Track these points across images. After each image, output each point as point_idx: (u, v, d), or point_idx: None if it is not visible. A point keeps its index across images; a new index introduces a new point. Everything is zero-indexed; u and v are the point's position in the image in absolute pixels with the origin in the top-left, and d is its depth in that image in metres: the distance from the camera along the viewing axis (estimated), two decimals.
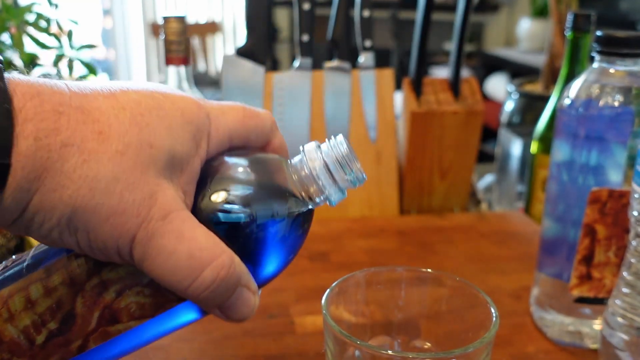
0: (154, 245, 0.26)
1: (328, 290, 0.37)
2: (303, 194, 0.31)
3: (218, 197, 0.29)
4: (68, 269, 0.29)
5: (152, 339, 0.32)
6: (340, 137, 0.31)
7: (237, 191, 0.29)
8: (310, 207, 0.32)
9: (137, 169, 0.26)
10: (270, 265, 0.31)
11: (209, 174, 0.29)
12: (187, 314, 0.31)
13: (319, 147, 0.32)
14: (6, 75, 0.25)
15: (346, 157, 0.31)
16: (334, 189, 0.31)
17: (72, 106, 0.25)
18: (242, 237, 0.29)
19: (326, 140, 0.32)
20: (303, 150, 0.32)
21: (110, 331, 0.30)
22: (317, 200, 0.32)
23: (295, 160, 0.32)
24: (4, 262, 0.32)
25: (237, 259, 0.28)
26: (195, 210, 0.28)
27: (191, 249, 0.26)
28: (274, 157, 0.32)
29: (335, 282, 0.38)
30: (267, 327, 0.54)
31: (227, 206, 0.28)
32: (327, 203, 0.32)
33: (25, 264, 0.30)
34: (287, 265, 0.32)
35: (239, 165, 0.30)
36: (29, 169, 0.24)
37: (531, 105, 0.95)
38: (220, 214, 0.28)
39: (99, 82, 0.28)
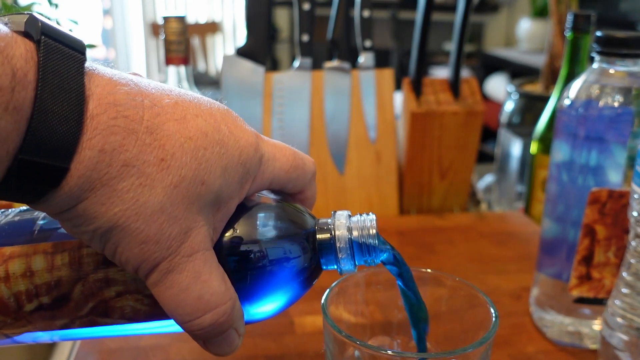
0: (171, 277, 0.27)
1: (328, 290, 0.37)
2: (318, 254, 0.33)
3: (239, 237, 0.30)
4: (77, 254, 0.29)
5: (134, 334, 0.33)
6: (372, 218, 0.33)
7: (257, 235, 0.30)
8: (320, 266, 0.33)
9: (183, 204, 0.26)
10: (267, 308, 0.32)
11: (238, 212, 0.30)
12: (175, 327, 0.31)
13: (349, 218, 0.33)
14: (88, 66, 0.25)
15: (371, 242, 0.32)
16: (349, 263, 0.33)
17: (142, 125, 0.25)
18: (250, 278, 0.30)
19: (358, 214, 0.33)
20: (334, 215, 0.33)
21: (98, 321, 0.30)
22: (329, 265, 0.33)
23: (322, 221, 0.33)
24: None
25: (237, 304, 0.29)
26: (218, 244, 0.29)
27: (202, 291, 0.27)
28: (303, 213, 0.33)
29: (335, 282, 0.38)
30: (267, 327, 0.54)
31: (245, 247, 0.30)
32: (337, 269, 0.33)
33: (36, 228, 0.30)
34: (280, 312, 0.33)
35: (267, 211, 0.31)
36: (84, 179, 0.24)
37: (531, 106, 0.95)
38: (237, 254, 0.30)
39: (175, 94, 0.28)
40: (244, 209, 0.30)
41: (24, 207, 0.33)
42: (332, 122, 0.78)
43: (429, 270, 0.40)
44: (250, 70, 0.76)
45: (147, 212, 0.25)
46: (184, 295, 0.27)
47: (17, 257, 0.29)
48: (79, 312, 0.30)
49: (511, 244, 0.72)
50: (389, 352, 0.32)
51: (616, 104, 0.46)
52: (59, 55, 0.24)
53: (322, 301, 0.36)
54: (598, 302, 0.50)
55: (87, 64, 0.25)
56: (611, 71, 0.47)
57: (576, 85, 0.49)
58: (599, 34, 0.47)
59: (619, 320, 0.44)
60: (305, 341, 0.52)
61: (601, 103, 0.46)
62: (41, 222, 0.31)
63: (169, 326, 0.31)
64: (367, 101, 0.79)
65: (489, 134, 1.65)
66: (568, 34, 0.68)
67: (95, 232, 0.26)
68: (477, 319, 0.37)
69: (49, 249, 0.29)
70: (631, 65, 0.47)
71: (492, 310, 0.35)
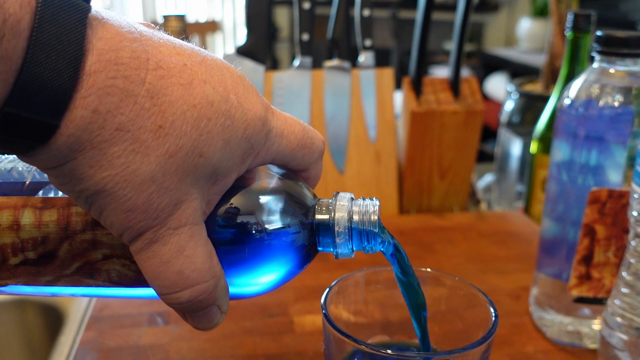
0: (154, 248, 0.26)
1: (327, 289, 0.37)
2: (315, 234, 0.31)
3: (233, 210, 0.29)
4: (65, 213, 0.29)
5: (120, 297, 0.32)
6: (375, 203, 0.31)
7: (252, 209, 0.29)
8: (316, 248, 0.32)
9: (177, 175, 0.25)
10: (257, 285, 0.31)
11: (236, 184, 0.29)
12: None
13: (352, 201, 0.32)
14: (94, 16, 0.23)
15: (372, 228, 0.31)
16: (345, 248, 0.32)
17: (143, 88, 0.24)
18: (242, 252, 0.29)
19: (361, 198, 0.32)
20: (336, 196, 0.32)
21: (84, 281, 0.30)
22: (325, 248, 0.32)
23: (323, 201, 0.32)
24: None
25: (222, 282, 0.28)
26: (212, 216, 0.29)
27: (184, 266, 0.26)
28: (304, 191, 0.32)
29: (335, 282, 0.38)
30: (266, 326, 0.54)
31: (239, 220, 0.29)
32: (333, 253, 0.32)
33: (28, 180, 0.30)
34: (272, 290, 0.32)
35: (267, 185, 0.30)
36: (74, 139, 0.23)
37: (531, 105, 0.95)
38: (230, 227, 0.29)
39: (187, 54, 0.26)
40: (243, 181, 0.29)
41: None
42: (332, 121, 0.78)
43: (428, 269, 0.40)
44: (250, 69, 0.76)
45: (137, 180, 0.24)
46: (164, 268, 0.26)
47: (5, 209, 0.28)
48: (64, 270, 0.29)
49: (511, 244, 0.72)
50: (389, 351, 0.32)
51: (616, 104, 0.46)
52: (61, 3, 0.22)
53: (322, 300, 0.36)
54: (598, 302, 0.50)
55: (93, 14, 0.23)
56: (611, 71, 0.47)
57: (576, 84, 0.49)
58: (599, 33, 0.47)
59: (619, 319, 0.44)
60: (305, 340, 0.52)
61: (601, 103, 0.46)
62: (33, 173, 0.30)
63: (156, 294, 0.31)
64: (367, 100, 0.79)
65: (489, 133, 1.65)
66: (568, 33, 0.68)
67: (81, 192, 0.25)
68: (477, 318, 0.37)
69: (38, 204, 0.29)
70: (631, 65, 0.46)
71: (492, 310, 0.35)
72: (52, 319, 0.67)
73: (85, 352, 0.50)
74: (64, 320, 0.62)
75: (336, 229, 0.31)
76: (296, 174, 0.32)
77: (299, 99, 0.77)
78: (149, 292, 0.29)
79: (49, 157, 0.23)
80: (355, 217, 0.31)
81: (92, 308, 0.57)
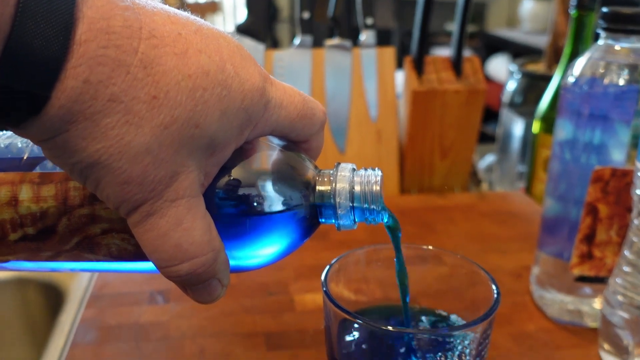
0: (151, 221, 0.26)
1: (328, 266, 0.37)
2: (317, 205, 0.31)
3: (232, 181, 0.28)
4: (63, 187, 0.28)
5: (122, 272, 0.32)
6: (378, 173, 0.31)
7: (252, 180, 0.28)
8: (318, 219, 0.31)
9: (173, 147, 0.24)
10: (258, 257, 0.31)
11: (234, 156, 0.28)
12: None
13: (354, 171, 0.31)
14: None
15: (374, 198, 0.30)
16: (347, 219, 0.31)
17: (136, 57, 0.23)
18: (242, 224, 0.29)
19: (363, 169, 0.31)
20: (337, 167, 0.31)
21: (84, 256, 0.29)
22: (327, 219, 0.31)
23: (325, 172, 0.31)
24: None
25: (221, 255, 0.28)
26: (211, 188, 0.28)
27: (182, 239, 0.26)
28: (305, 162, 0.31)
29: (335, 259, 0.38)
30: (267, 304, 0.54)
31: (238, 192, 0.28)
32: (335, 225, 0.32)
33: (25, 155, 0.29)
34: (273, 262, 0.31)
35: (266, 157, 0.30)
36: (65, 110, 0.22)
37: (533, 85, 0.94)
38: (229, 199, 0.28)
39: (182, 23, 0.25)
40: (242, 153, 0.29)
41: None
42: (333, 101, 0.78)
43: (430, 247, 0.40)
44: (251, 48, 0.75)
45: (132, 152, 0.24)
46: (162, 241, 0.26)
47: (3, 184, 0.28)
48: (64, 245, 0.29)
49: (512, 224, 0.71)
50: (389, 327, 0.32)
51: (621, 82, 0.45)
52: None
53: (322, 277, 0.36)
54: (599, 281, 0.50)
55: None
56: (617, 48, 0.46)
57: (581, 62, 0.48)
58: (604, 10, 0.46)
59: (620, 298, 0.44)
60: (305, 319, 0.52)
61: (606, 80, 0.46)
62: (31, 148, 0.29)
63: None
64: (368, 79, 0.78)
65: (490, 115, 1.64)
66: (572, 11, 0.68)
67: (75, 165, 0.24)
68: (479, 296, 0.37)
69: (35, 179, 0.28)
70: (637, 42, 0.46)
71: (494, 287, 0.35)
72: (53, 298, 0.67)
73: (86, 329, 0.50)
74: (65, 299, 0.62)
75: (337, 200, 0.30)
76: (297, 145, 0.32)
77: (299, 78, 0.77)
78: (150, 266, 0.29)
79: (41, 129, 0.23)
80: (357, 188, 0.30)
81: (93, 286, 0.57)
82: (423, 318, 0.39)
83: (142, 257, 0.29)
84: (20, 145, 0.30)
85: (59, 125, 0.23)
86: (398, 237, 0.35)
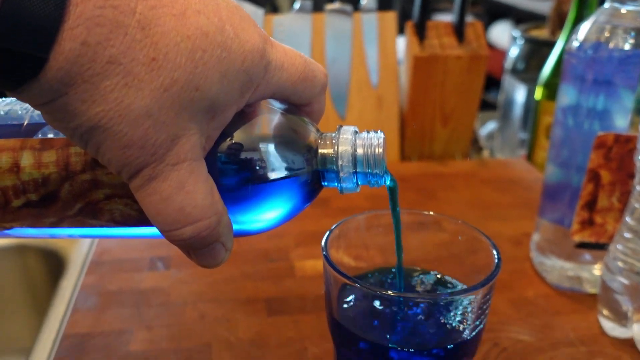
0: (154, 185, 0.26)
1: (328, 232, 0.37)
2: (319, 169, 0.30)
3: (234, 145, 0.28)
4: (64, 153, 0.28)
5: (126, 237, 0.32)
6: (380, 136, 0.30)
7: (254, 143, 0.28)
8: (321, 183, 0.31)
9: (173, 110, 0.24)
10: (261, 221, 0.30)
11: (236, 120, 0.28)
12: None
13: (356, 134, 0.31)
14: None
15: (376, 160, 0.30)
16: (350, 182, 0.31)
17: (134, 18, 0.23)
18: (244, 188, 0.28)
19: (365, 131, 0.31)
20: (339, 130, 0.31)
21: (88, 222, 0.29)
22: (330, 182, 0.31)
23: (327, 134, 0.31)
24: None
25: (225, 219, 0.28)
26: (212, 152, 0.28)
27: (185, 202, 0.26)
28: (307, 125, 0.31)
29: (335, 225, 0.38)
30: (267, 270, 0.54)
31: (240, 156, 0.28)
32: (337, 188, 0.31)
33: (25, 121, 0.29)
34: (276, 226, 0.31)
35: (268, 120, 0.29)
36: (64, 72, 0.22)
37: (537, 51, 0.93)
38: (231, 163, 0.28)
39: None
40: (243, 116, 0.28)
41: (15, 98, 0.31)
42: (333, 66, 0.77)
43: (431, 212, 0.39)
44: (250, 12, 0.74)
45: (132, 115, 0.23)
46: (165, 205, 0.26)
47: (4, 151, 0.28)
48: (67, 211, 0.29)
49: (513, 191, 0.71)
50: (390, 292, 0.31)
51: (627, 46, 0.44)
52: None
53: (323, 243, 0.36)
54: (599, 247, 0.50)
55: None
56: (623, 11, 0.45)
57: (585, 26, 0.47)
58: None
59: (620, 264, 0.44)
60: (305, 284, 0.52)
61: (611, 44, 0.45)
62: (30, 115, 0.29)
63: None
64: (369, 45, 0.77)
65: (492, 82, 1.63)
66: None
67: (75, 129, 0.24)
68: (479, 262, 0.37)
69: (36, 145, 0.28)
70: None
71: (495, 252, 0.35)
72: (54, 264, 0.68)
73: (87, 295, 0.50)
74: (65, 265, 0.62)
75: (340, 162, 0.30)
76: (298, 108, 0.31)
77: (299, 43, 0.76)
78: (153, 231, 0.29)
79: (40, 93, 0.23)
80: (360, 151, 0.30)
81: (93, 253, 0.57)
82: (424, 282, 0.39)
83: (145, 222, 0.29)
84: (20, 112, 0.30)
85: (58, 88, 0.23)
86: (396, 195, 0.35)
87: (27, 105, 0.30)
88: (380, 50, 0.78)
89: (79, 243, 0.64)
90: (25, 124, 0.29)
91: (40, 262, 0.72)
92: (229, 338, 0.45)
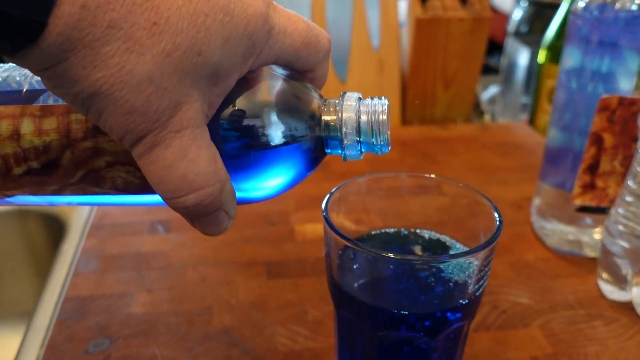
0: (156, 152, 0.25)
1: (328, 194, 0.37)
2: (323, 136, 0.30)
3: (237, 111, 0.27)
4: (65, 120, 0.28)
5: (129, 205, 0.32)
6: (384, 102, 0.30)
7: (257, 110, 0.28)
8: (324, 150, 0.31)
9: (175, 75, 0.24)
10: (264, 188, 0.30)
11: (238, 86, 0.28)
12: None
13: (360, 101, 0.30)
14: None
15: (380, 127, 0.30)
16: (354, 149, 0.30)
17: None
18: (248, 156, 0.28)
19: (369, 98, 0.30)
20: (342, 96, 0.31)
21: (90, 190, 0.29)
22: (333, 150, 0.31)
23: (330, 101, 0.31)
24: None
25: (228, 186, 0.28)
26: (215, 119, 0.27)
27: (187, 170, 0.26)
28: (310, 91, 0.30)
29: (336, 187, 0.38)
30: (267, 234, 0.54)
31: (243, 122, 0.28)
32: (341, 155, 0.31)
33: (24, 88, 0.29)
34: (280, 194, 0.31)
35: (271, 86, 0.29)
36: (64, 37, 0.22)
37: (540, 14, 0.91)
38: (234, 129, 0.28)
39: None
40: (246, 83, 0.28)
41: (13, 64, 0.31)
42: (334, 28, 0.75)
43: (432, 175, 0.39)
44: None
45: (134, 81, 0.23)
46: (167, 172, 0.26)
47: (4, 118, 0.28)
48: (68, 179, 0.29)
49: (514, 155, 0.71)
50: (390, 254, 0.31)
51: (634, 7, 0.43)
52: None
53: (323, 205, 0.35)
54: (600, 211, 0.49)
55: None
56: None
57: None
58: None
59: (621, 228, 0.44)
60: (305, 248, 0.52)
61: (617, 5, 0.44)
62: (30, 80, 0.29)
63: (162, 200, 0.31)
64: (370, 7, 0.76)
65: (495, 47, 1.61)
66: None
67: (76, 96, 0.24)
68: (480, 226, 0.37)
69: (36, 112, 0.28)
70: None
71: (496, 215, 0.35)
72: (55, 228, 0.68)
73: (88, 259, 0.51)
74: (66, 229, 0.62)
75: (344, 129, 0.30)
76: (302, 75, 0.31)
77: (298, 5, 0.74)
78: (156, 198, 0.29)
79: (40, 58, 0.22)
80: (363, 117, 0.30)
81: (93, 217, 0.57)
82: (424, 245, 0.39)
83: (148, 190, 0.29)
84: (18, 78, 0.30)
85: (58, 54, 0.22)
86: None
87: (26, 71, 0.30)
88: (381, 13, 0.76)
89: (79, 207, 0.64)
90: (24, 90, 0.29)
91: (41, 226, 0.72)
92: (230, 301, 0.45)
